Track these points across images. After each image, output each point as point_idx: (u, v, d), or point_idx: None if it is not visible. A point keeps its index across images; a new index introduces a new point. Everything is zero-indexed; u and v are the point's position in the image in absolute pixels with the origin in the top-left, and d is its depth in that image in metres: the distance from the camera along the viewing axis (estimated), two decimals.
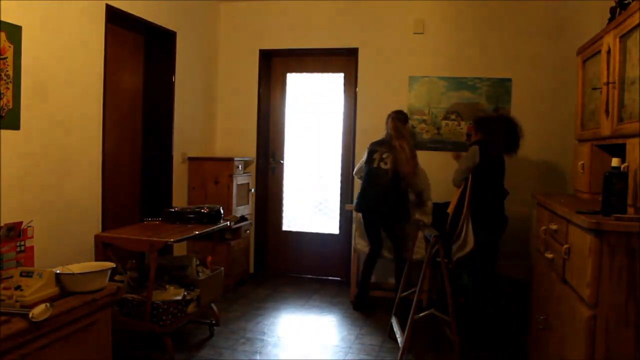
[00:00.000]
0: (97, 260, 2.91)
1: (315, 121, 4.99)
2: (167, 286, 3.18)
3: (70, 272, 2.26)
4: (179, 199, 4.37)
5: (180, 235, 3.11)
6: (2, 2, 2.56)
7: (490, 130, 3.68)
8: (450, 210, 3.66)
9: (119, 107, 3.82)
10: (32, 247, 2.45)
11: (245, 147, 4.93)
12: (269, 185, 5.11)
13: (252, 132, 4.93)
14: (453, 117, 4.44)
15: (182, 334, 3.39)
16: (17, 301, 2.01)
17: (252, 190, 4.85)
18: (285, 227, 5.09)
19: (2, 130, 2.62)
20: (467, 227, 3.50)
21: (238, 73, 4.95)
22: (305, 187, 5.03)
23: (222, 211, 3.59)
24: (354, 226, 4.43)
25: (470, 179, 3.54)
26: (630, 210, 1.97)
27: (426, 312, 3.16)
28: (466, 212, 3.50)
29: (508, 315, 3.74)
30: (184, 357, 3.10)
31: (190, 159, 4.51)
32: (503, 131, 3.67)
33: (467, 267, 3.66)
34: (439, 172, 4.34)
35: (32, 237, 2.45)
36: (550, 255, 2.42)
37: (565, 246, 2.13)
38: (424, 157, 4.47)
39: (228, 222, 3.68)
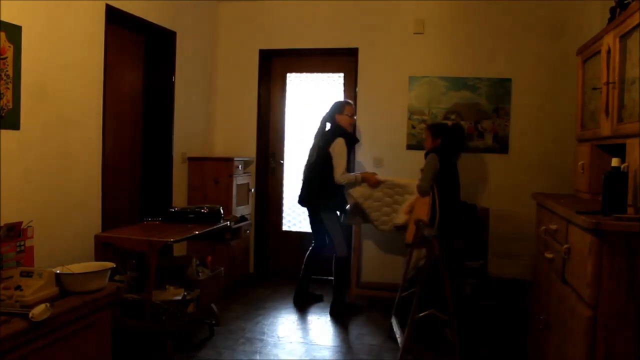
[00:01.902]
0: (97, 260, 2.91)
1: (316, 121, 4.96)
2: (167, 286, 3.18)
3: (70, 272, 2.26)
4: (179, 199, 4.37)
5: (180, 235, 3.10)
6: (2, 2, 2.56)
7: (446, 136, 3.80)
8: (416, 217, 3.62)
9: (119, 107, 3.81)
10: (32, 247, 2.45)
11: (245, 147, 4.93)
12: (269, 185, 5.10)
13: (252, 132, 4.93)
14: (453, 117, 4.44)
15: (182, 334, 3.39)
16: (17, 301, 2.01)
17: (252, 190, 4.85)
18: (285, 227, 5.09)
19: (2, 130, 2.62)
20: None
21: (238, 73, 4.95)
22: None
23: (222, 211, 3.59)
24: (353, 227, 4.43)
25: (435, 187, 3.58)
26: (630, 210, 1.97)
27: (426, 312, 3.16)
28: (439, 218, 3.51)
29: (508, 315, 3.74)
30: (184, 357, 3.10)
31: (190, 159, 4.51)
32: (457, 137, 3.98)
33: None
34: None
35: (32, 237, 2.45)
36: (550, 255, 2.42)
37: (565, 246, 2.13)
38: (424, 157, 4.48)
39: (228, 222, 3.67)
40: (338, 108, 4.00)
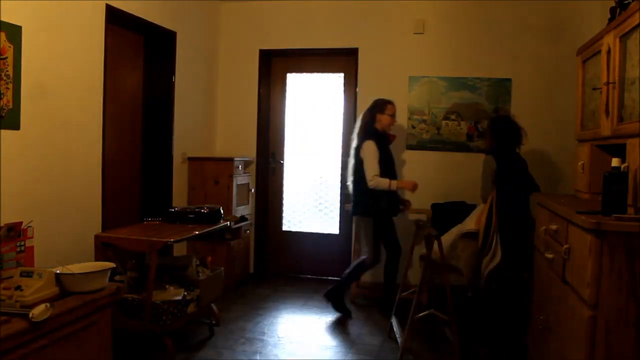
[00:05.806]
0: (97, 260, 2.91)
1: (315, 121, 4.98)
2: (167, 286, 3.18)
3: (70, 272, 2.26)
4: (179, 199, 4.37)
5: (180, 235, 3.11)
6: (2, 2, 2.56)
7: (498, 131, 3.67)
8: (476, 226, 3.53)
9: (119, 107, 3.81)
10: (32, 247, 2.45)
11: (245, 147, 4.93)
12: (269, 185, 5.10)
13: (252, 132, 4.92)
14: (453, 117, 4.44)
15: (182, 334, 3.39)
16: (17, 301, 2.01)
17: (252, 190, 4.85)
18: (285, 227, 5.09)
19: (2, 130, 2.62)
20: (496, 239, 3.45)
21: (238, 73, 4.95)
22: (305, 187, 5.03)
23: (222, 211, 3.59)
24: (355, 231, 4.41)
25: (494, 190, 3.52)
26: (630, 210, 1.97)
27: (426, 312, 3.16)
28: (495, 224, 3.46)
29: (508, 315, 3.73)
30: (184, 357, 3.10)
31: (190, 159, 4.51)
32: (507, 130, 3.68)
33: (499, 280, 3.54)
34: (438, 172, 4.34)
35: (32, 237, 2.45)
36: (550, 256, 2.42)
37: (565, 246, 2.13)
38: (424, 157, 4.48)
39: (228, 222, 3.67)
40: (380, 106, 3.86)
